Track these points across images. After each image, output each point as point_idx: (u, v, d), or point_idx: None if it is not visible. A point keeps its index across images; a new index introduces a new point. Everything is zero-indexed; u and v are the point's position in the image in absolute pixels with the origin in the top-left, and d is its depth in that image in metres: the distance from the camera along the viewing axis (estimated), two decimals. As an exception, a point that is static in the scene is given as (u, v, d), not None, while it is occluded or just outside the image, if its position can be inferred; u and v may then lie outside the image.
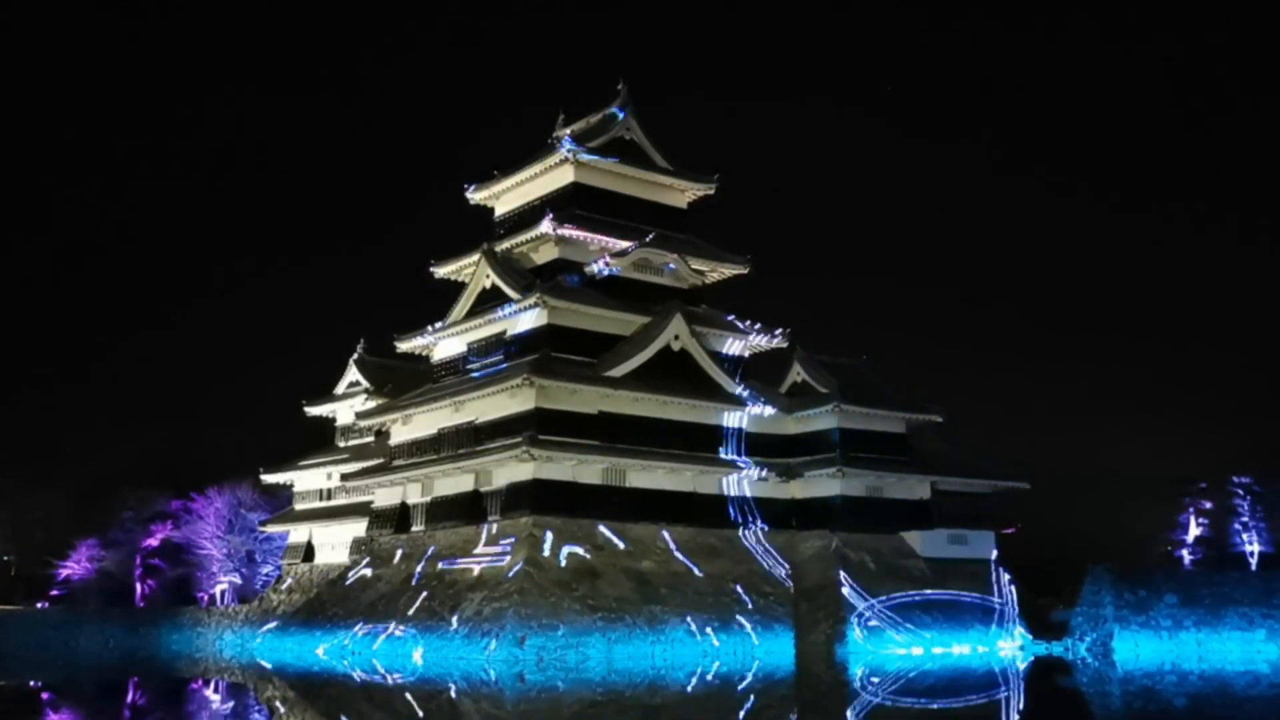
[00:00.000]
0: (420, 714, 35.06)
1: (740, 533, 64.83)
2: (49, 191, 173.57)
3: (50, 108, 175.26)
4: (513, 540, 58.43)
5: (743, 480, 66.35)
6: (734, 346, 69.86)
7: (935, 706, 37.60)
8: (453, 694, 39.93)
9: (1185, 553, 73.07)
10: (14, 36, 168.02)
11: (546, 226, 65.90)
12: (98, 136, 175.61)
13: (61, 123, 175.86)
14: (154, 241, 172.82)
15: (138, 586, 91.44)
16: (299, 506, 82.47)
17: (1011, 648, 65.13)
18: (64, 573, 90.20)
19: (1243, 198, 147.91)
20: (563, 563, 57.14)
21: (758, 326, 70.91)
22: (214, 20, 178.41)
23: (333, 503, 79.01)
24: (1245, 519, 71.78)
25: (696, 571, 61.10)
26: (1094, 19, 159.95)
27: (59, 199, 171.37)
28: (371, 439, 77.38)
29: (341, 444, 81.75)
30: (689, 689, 41.77)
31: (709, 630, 58.68)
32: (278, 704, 38.51)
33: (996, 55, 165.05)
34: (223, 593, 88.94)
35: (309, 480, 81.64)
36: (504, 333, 65.84)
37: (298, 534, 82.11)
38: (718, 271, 72.93)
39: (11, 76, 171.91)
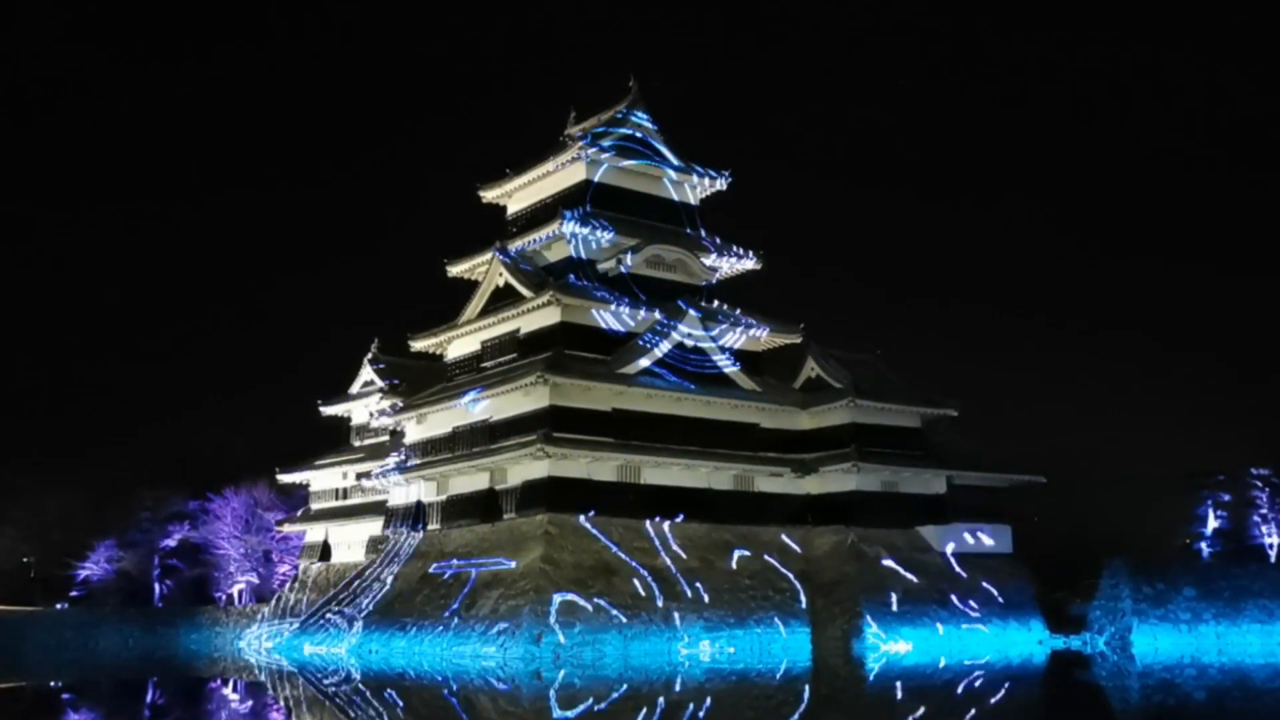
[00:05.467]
0: (437, 712, 35.13)
1: (755, 529, 64.76)
2: (64, 199, 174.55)
3: (70, 122, 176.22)
4: (528, 538, 58.50)
5: (757, 476, 66.30)
6: (747, 342, 69.84)
7: (953, 701, 37.49)
8: (470, 692, 40.00)
9: (1204, 545, 72.66)
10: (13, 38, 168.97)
11: (558, 225, 65.95)
12: (105, 141, 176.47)
13: (89, 134, 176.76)
14: (168, 244, 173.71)
15: (156, 587, 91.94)
16: (315, 506, 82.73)
17: (1029, 642, 64.92)
18: (83, 573, 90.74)
19: (1246, 195, 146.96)
20: (578, 560, 57.18)
21: (771, 322, 70.86)
22: (216, 22, 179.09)
23: (348, 502, 79.24)
24: (1264, 511, 71.28)
25: (712, 568, 61.05)
26: (1099, 25, 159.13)
27: (81, 208, 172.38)
28: (386, 438, 77.56)
29: (356, 443, 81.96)
30: (706, 685, 41.76)
31: (725, 627, 58.64)
32: (297, 703, 38.64)
33: (1005, 56, 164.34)
34: (240, 592, 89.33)
35: (325, 480, 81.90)
36: (517, 331, 65.94)
37: (314, 533, 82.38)
38: (730, 267, 72.88)
39: (24, 80, 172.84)
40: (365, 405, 79.48)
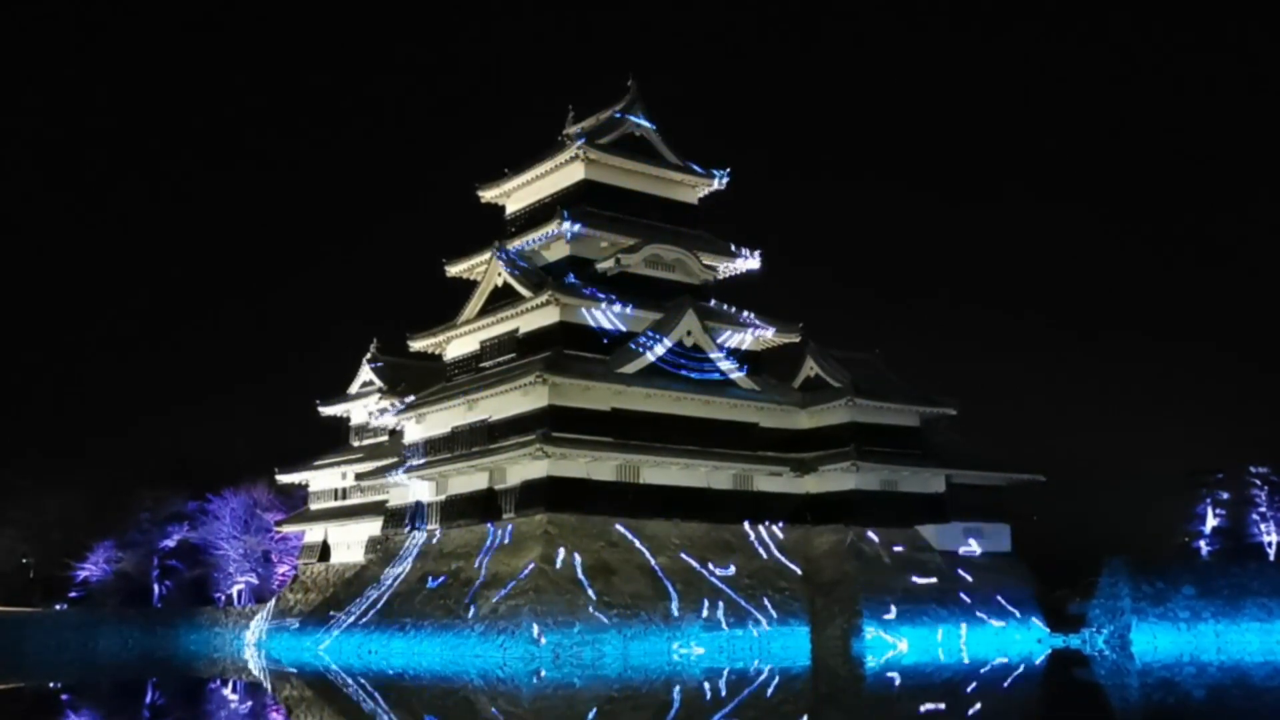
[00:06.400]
0: (437, 712, 35.13)
1: (755, 528, 64.78)
2: (63, 198, 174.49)
3: (67, 126, 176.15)
4: (528, 538, 58.50)
5: (756, 475, 66.30)
6: (746, 341, 69.87)
7: (953, 700, 37.49)
8: (470, 692, 40.00)
9: (1203, 544, 72.66)
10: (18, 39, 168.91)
11: (557, 224, 65.96)
12: (105, 139, 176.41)
13: (89, 132, 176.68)
14: (167, 244, 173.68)
15: (155, 587, 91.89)
16: (314, 506, 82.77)
17: (1028, 640, 64.93)
18: (82, 574, 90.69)
19: (1245, 194, 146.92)
20: (578, 560, 57.19)
21: (770, 322, 70.87)
22: (216, 24, 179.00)
23: (348, 502, 79.27)
24: (1263, 509, 71.27)
25: (711, 567, 61.09)
26: (1099, 25, 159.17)
27: (80, 206, 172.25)
28: (386, 438, 77.59)
29: (356, 443, 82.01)
30: (705, 685, 41.76)
31: (724, 626, 58.65)
32: (296, 703, 38.64)
33: (1004, 58, 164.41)
34: (239, 593, 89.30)
35: (324, 480, 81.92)
36: (516, 330, 65.95)
37: (313, 533, 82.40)
38: (729, 267, 72.89)
39: (26, 80, 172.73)
40: (364, 405, 79.52)
